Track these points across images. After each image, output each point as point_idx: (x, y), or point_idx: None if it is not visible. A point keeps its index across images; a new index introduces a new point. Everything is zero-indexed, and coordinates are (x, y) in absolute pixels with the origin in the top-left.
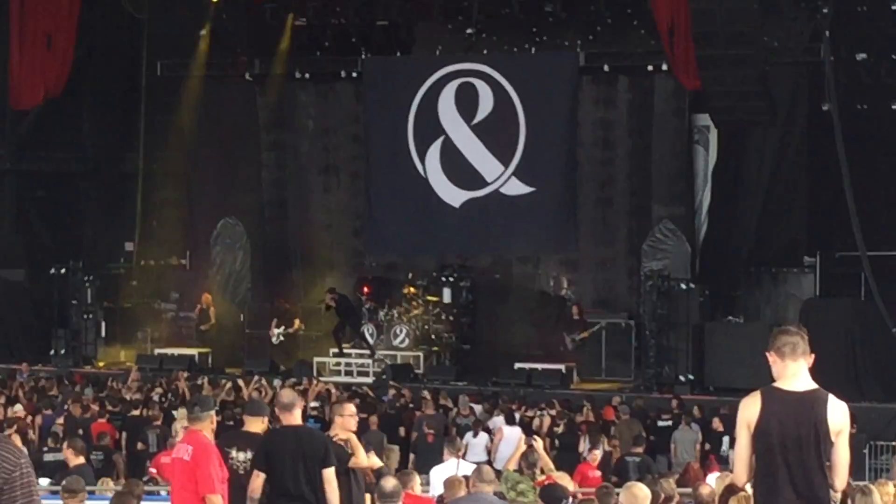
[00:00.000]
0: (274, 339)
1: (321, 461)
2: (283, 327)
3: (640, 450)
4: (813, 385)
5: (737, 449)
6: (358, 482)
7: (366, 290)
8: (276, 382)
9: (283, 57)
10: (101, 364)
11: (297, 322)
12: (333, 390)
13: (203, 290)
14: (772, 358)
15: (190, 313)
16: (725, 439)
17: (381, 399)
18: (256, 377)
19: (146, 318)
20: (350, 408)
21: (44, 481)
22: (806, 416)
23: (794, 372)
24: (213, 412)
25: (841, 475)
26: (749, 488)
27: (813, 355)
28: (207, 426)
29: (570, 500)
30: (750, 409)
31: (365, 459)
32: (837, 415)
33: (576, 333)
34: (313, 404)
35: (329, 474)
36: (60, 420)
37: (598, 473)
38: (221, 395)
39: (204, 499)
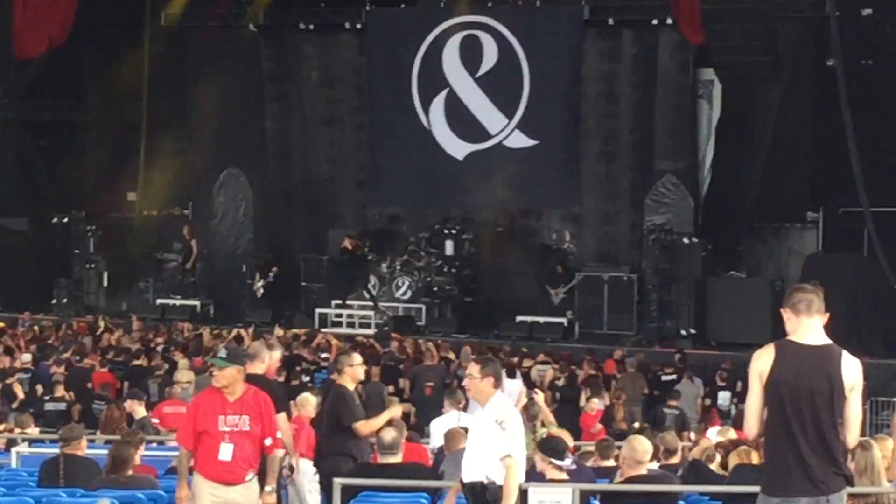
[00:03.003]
0: (258, 294)
1: None
2: (262, 280)
3: (675, 403)
4: (827, 340)
5: (748, 401)
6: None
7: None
8: (277, 332)
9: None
10: (102, 315)
11: (273, 270)
12: (334, 341)
13: (205, 239)
14: (786, 314)
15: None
16: (721, 394)
17: (384, 351)
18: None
19: (148, 268)
20: (358, 357)
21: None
22: (820, 369)
23: (808, 328)
24: (216, 371)
25: (853, 431)
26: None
27: (828, 314)
28: (215, 380)
29: (570, 453)
30: (762, 360)
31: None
32: (852, 370)
33: (559, 287)
34: (323, 355)
35: (279, 420)
36: (61, 369)
37: (600, 426)
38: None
39: None
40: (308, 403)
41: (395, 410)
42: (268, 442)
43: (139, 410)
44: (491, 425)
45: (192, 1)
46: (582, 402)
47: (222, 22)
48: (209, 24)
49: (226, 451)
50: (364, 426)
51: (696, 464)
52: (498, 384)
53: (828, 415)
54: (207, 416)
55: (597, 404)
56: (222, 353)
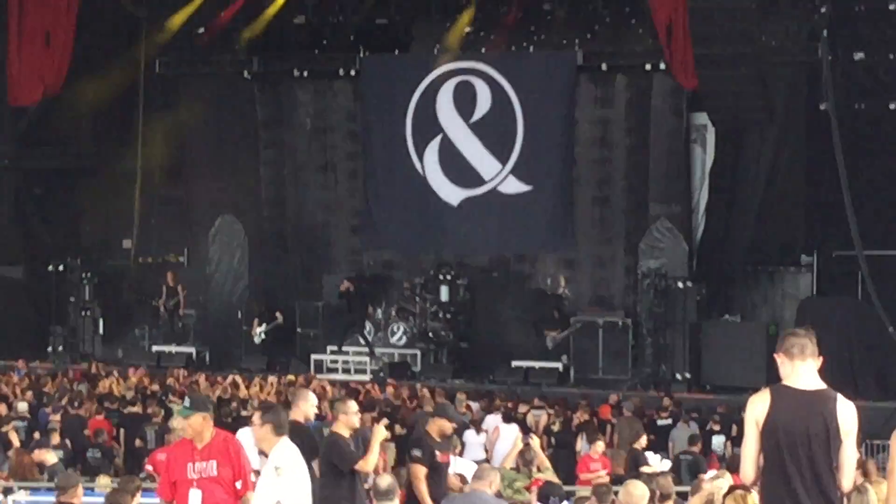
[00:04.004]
0: (256, 339)
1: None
2: (264, 325)
3: (695, 448)
4: (822, 384)
5: (744, 447)
6: (360, 481)
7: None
8: (271, 379)
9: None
10: (95, 362)
11: (278, 315)
12: (329, 387)
13: (200, 286)
14: (780, 359)
15: (189, 311)
16: (715, 438)
17: (383, 397)
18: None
19: (144, 316)
20: (353, 405)
21: None
22: (816, 413)
23: (802, 372)
24: (182, 421)
25: (848, 475)
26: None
27: (822, 358)
28: (182, 430)
29: (561, 498)
30: (758, 405)
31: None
32: (847, 414)
33: (556, 332)
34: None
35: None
36: (57, 417)
37: (602, 469)
38: (218, 392)
39: None
40: None
41: (380, 434)
42: (238, 485)
43: (48, 458)
44: (270, 472)
45: (180, 33)
46: (579, 446)
47: (214, 67)
48: (199, 65)
49: (195, 498)
50: (364, 464)
51: None
52: (279, 432)
53: (824, 459)
54: (178, 465)
55: (601, 447)
56: (186, 402)
